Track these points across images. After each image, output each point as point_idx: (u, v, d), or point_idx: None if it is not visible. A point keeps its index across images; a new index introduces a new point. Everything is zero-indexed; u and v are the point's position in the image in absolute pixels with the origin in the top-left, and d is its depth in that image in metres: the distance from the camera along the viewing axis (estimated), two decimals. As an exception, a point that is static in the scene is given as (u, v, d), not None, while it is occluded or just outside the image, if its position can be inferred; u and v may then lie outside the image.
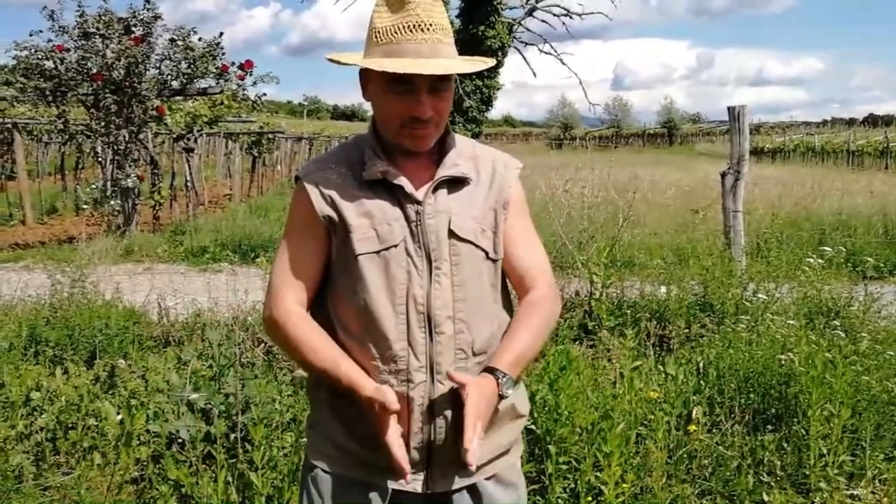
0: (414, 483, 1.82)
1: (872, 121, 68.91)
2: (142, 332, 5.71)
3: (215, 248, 11.14)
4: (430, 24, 1.76)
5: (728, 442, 4.07)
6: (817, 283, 5.71)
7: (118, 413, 3.88)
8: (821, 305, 5.48)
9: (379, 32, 1.78)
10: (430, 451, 1.81)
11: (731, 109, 6.60)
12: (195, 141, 15.71)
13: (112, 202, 12.49)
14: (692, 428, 4.05)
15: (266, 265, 7.29)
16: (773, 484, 3.98)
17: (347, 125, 60.24)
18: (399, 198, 1.82)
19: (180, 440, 3.76)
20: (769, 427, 4.26)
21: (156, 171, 13.64)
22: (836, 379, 4.22)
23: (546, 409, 3.80)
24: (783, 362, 4.31)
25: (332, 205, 1.82)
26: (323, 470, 1.88)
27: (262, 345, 4.81)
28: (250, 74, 12.24)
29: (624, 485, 3.63)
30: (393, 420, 1.70)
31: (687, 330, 5.25)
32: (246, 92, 12.61)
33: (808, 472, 4.04)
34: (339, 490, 1.86)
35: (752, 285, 5.70)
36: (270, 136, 20.68)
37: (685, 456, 3.94)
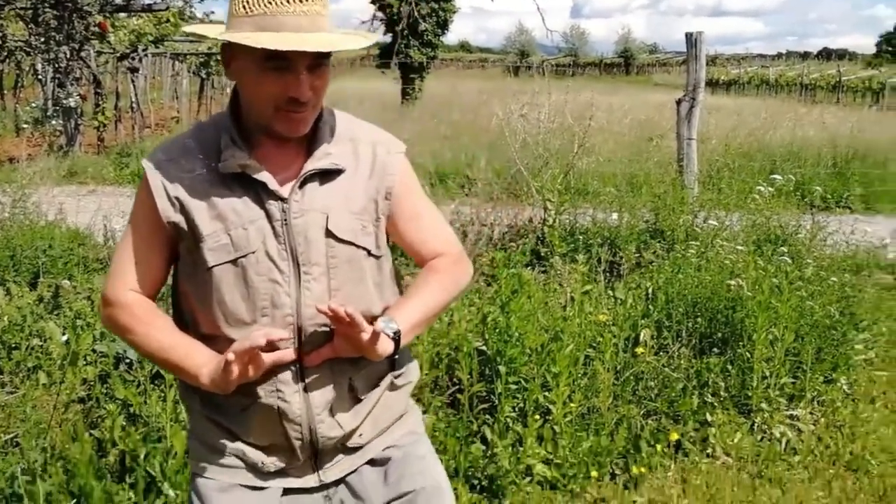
0: (306, 479, 1.74)
1: (827, 55, 69.49)
2: (87, 255, 5.61)
3: (164, 171, 10.92)
4: None
5: (674, 364, 4.15)
6: (766, 211, 5.78)
7: (63, 333, 3.81)
8: (769, 233, 5.56)
9: (249, 2, 1.55)
10: (314, 445, 1.71)
11: (688, 36, 6.55)
12: (140, 61, 15.22)
13: (53, 122, 12.14)
14: (640, 350, 4.12)
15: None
16: (716, 405, 4.08)
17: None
18: (260, 194, 1.62)
19: (128, 360, 3.72)
20: (715, 350, 4.35)
21: (99, 91, 13.21)
22: (781, 304, 4.32)
23: (497, 330, 3.82)
24: (731, 287, 4.39)
25: (181, 209, 1.63)
26: (208, 478, 1.73)
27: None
28: (198, -9, 11.83)
29: (571, 404, 3.69)
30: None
31: (637, 256, 5.31)
32: (193, 9, 12.23)
33: (750, 394, 4.15)
34: (227, 498, 1.72)
35: (702, 213, 5.76)
36: (219, 57, 20.12)
37: (632, 377, 4.01)
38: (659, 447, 3.78)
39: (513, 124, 7.35)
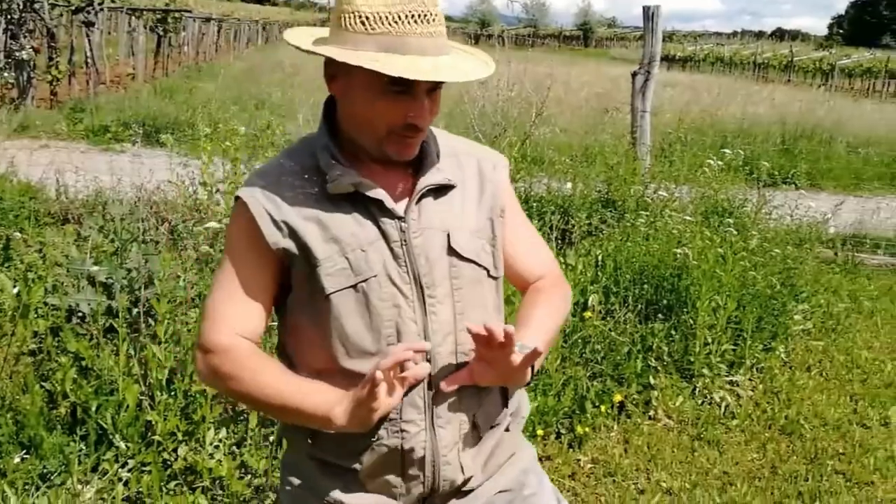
0: None
1: (780, 35, 70.39)
2: (39, 208, 5.53)
3: (117, 128, 10.73)
4: (436, 14, 1.42)
5: (620, 329, 4.27)
6: (715, 184, 5.93)
7: (14, 286, 3.78)
8: (717, 205, 5.71)
9: (370, 19, 1.39)
10: (433, 489, 1.54)
11: (645, 10, 6.63)
12: (95, 15, 14.83)
13: (5, 74, 11.79)
14: (588, 315, 4.22)
15: (174, 145, 7.10)
16: (659, 369, 4.22)
17: (259, 9, 57.75)
18: (374, 214, 1.49)
19: (80, 314, 3.71)
20: (660, 316, 4.48)
21: (53, 44, 12.87)
22: (725, 273, 4.46)
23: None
24: (677, 256, 4.51)
25: (290, 233, 1.48)
26: None
27: (166, 223, 4.73)
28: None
29: (521, 366, 3.78)
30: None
31: (589, 224, 5.41)
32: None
33: (692, 359, 4.30)
34: None
35: (653, 184, 5.88)
36: (177, 14, 19.70)
37: (580, 340, 4.12)
38: (603, 408, 3.90)
39: (472, 92, 7.37)
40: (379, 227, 1.48)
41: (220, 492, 3.07)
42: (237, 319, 1.51)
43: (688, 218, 4.95)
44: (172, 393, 3.21)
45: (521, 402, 1.73)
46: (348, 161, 1.52)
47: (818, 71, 31.71)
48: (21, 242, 4.43)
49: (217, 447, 3.14)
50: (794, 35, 69.80)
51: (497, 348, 1.42)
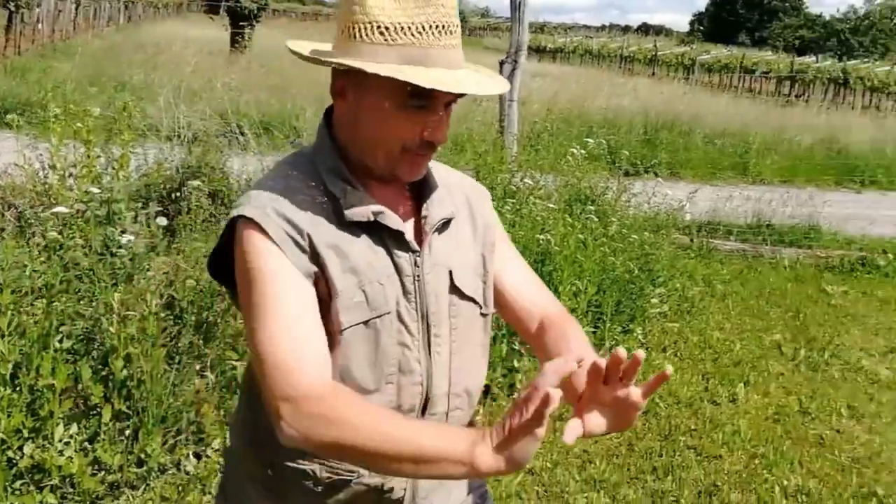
0: None
1: (645, 30, 73.27)
2: None
3: (-40, 108, 10.04)
4: (457, 25, 1.34)
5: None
6: (578, 172, 6.09)
7: None
8: (580, 193, 5.87)
9: (390, 29, 1.30)
10: None
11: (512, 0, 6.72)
12: (-64, -14, 13.81)
13: None
14: (454, 301, 4.25)
15: (22, 127, 6.68)
16: (523, 352, 4.30)
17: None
18: (389, 245, 1.38)
19: None
20: (524, 301, 4.56)
21: None
22: (586, 259, 4.60)
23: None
24: (541, 242, 4.61)
25: (313, 258, 1.33)
26: None
27: (13, 209, 4.45)
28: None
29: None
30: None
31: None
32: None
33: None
34: None
35: (520, 172, 5.98)
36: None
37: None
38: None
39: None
40: (392, 260, 1.37)
41: (71, 489, 2.94)
42: (314, 356, 1.28)
43: (551, 205, 5.07)
44: (17, 388, 3.03)
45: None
46: (360, 184, 1.39)
47: (680, 65, 33.11)
48: None
49: (67, 444, 3.00)
50: (659, 30, 72.78)
51: (615, 384, 1.22)
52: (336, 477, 1.38)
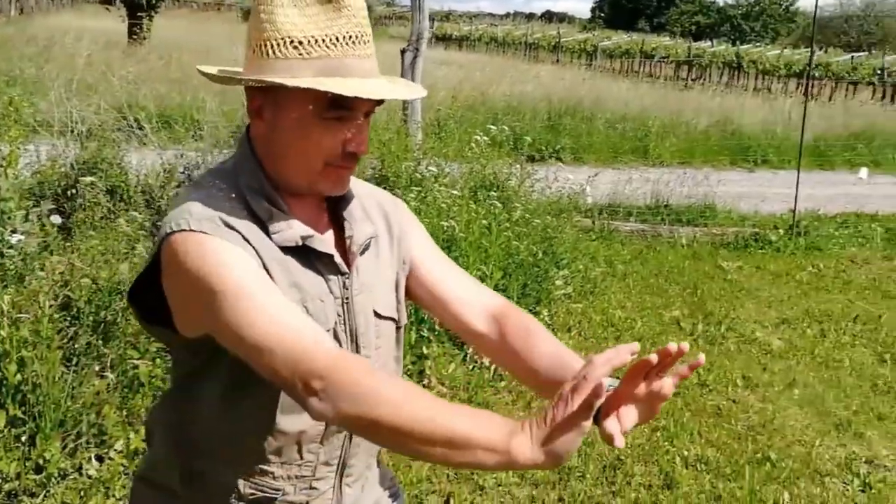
0: None
1: (549, 17, 74.29)
2: None
3: None
4: (370, 35, 1.34)
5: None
6: (483, 159, 6.17)
7: None
8: (484, 180, 5.95)
9: (303, 43, 1.29)
10: None
11: (413, -13, 6.74)
12: None
13: None
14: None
15: None
16: (432, 339, 4.35)
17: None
18: (319, 268, 1.35)
19: None
20: (431, 288, 4.61)
21: None
22: (490, 244, 4.67)
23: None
24: (446, 229, 4.66)
25: (263, 265, 1.29)
26: None
27: None
28: None
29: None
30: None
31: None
32: None
33: (462, 327, 4.46)
34: None
35: (425, 160, 6.02)
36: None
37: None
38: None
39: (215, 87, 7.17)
40: (325, 279, 1.36)
41: (-36, 500, 2.85)
42: (320, 329, 1.25)
43: (455, 192, 5.13)
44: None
45: None
46: (285, 209, 1.35)
47: (583, 52, 33.73)
48: None
49: (-40, 453, 2.90)
50: (562, 17, 73.84)
51: (651, 377, 1.16)
52: (259, 493, 1.36)
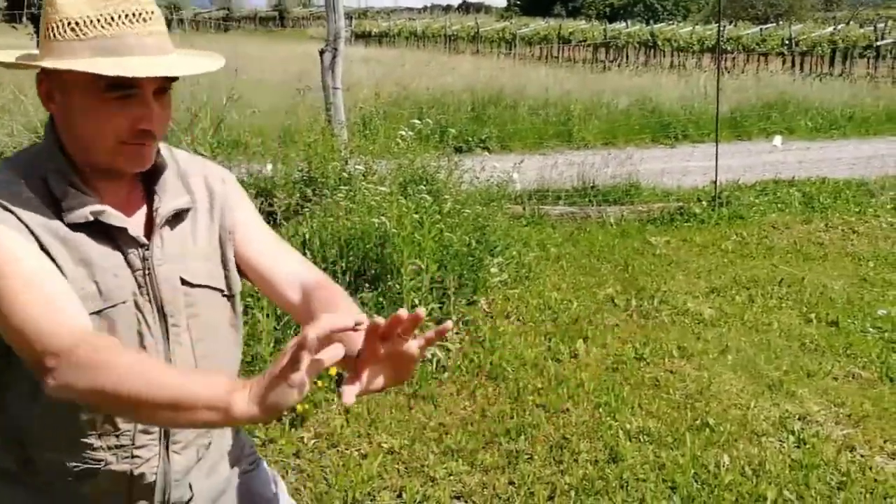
0: None
1: (466, 7, 74.50)
2: None
3: None
4: (152, 12, 1.35)
5: (331, 303, 4.35)
6: (410, 154, 6.19)
7: None
8: (413, 175, 5.97)
9: (80, 24, 1.31)
10: None
11: (327, -13, 6.71)
12: None
13: None
14: (297, 293, 4.25)
15: None
16: (291, 325, 4.32)
17: None
18: (118, 242, 1.40)
19: None
20: (368, 286, 4.63)
21: None
22: (423, 238, 4.70)
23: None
24: (377, 226, 4.67)
25: (41, 247, 1.33)
26: None
27: None
28: None
29: (233, 353, 3.74)
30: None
31: (291, 204, 5.44)
32: None
33: (402, 322, 4.49)
34: None
35: (352, 159, 6.02)
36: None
37: (291, 321, 4.15)
38: (321, 383, 3.98)
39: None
40: (124, 255, 1.40)
41: None
42: (74, 308, 1.29)
43: (383, 189, 5.14)
44: None
45: None
46: (85, 185, 1.39)
47: (502, 40, 33.95)
48: None
49: None
50: (479, 7, 74.16)
51: (394, 340, 1.20)
52: (84, 465, 1.40)
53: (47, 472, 1.43)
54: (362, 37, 35.70)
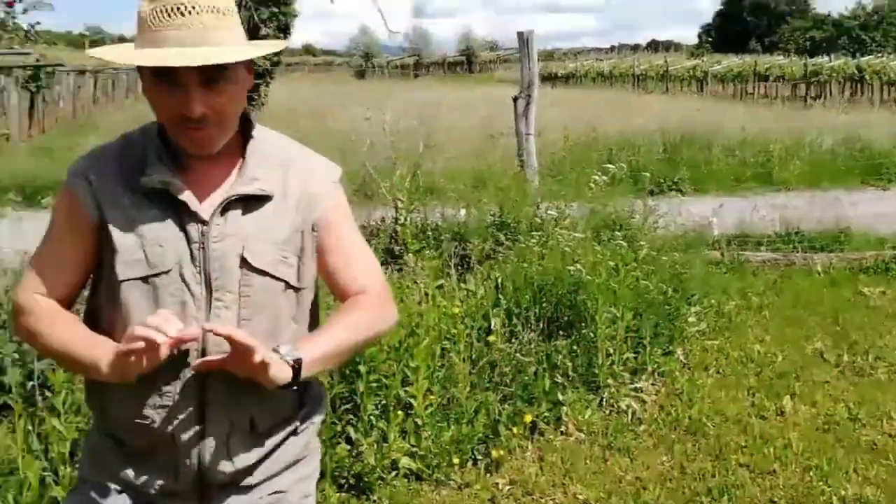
0: None
1: (655, 46, 73.35)
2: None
3: (-6, 192, 10.30)
4: (193, 7, 1.48)
5: (525, 349, 4.36)
6: (603, 199, 6.13)
7: None
8: (606, 220, 5.90)
9: (141, 20, 1.51)
10: (203, 479, 1.61)
11: (520, 35, 6.82)
12: (-39, 76, 14.26)
13: None
14: (492, 339, 4.30)
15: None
16: (566, 384, 4.32)
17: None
18: (181, 215, 1.56)
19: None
20: (562, 333, 4.60)
21: (-84, 109, 12.31)
22: (619, 285, 4.62)
23: (354, 331, 3.90)
24: (571, 272, 4.64)
25: (102, 217, 1.57)
26: (88, 494, 1.65)
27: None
28: (20, 1, 11.19)
29: (431, 397, 3.82)
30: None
31: (485, 248, 5.51)
32: (16, 20, 11.53)
33: (597, 371, 4.42)
34: None
35: (544, 204, 6.03)
36: (49, 69, 19.06)
37: (487, 365, 4.19)
38: (516, 430, 3.97)
39: (360, 128, 7.42)
40: (183, 228, 1.56)
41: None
42: (45, 283, 1.62)
43: (578, 235, 5.11)
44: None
45: (316, 406, 1.78)
46: (174, 160, 1.59)
47: (693, 78, 33.15)
48: None
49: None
50: (668, 45, 72.81)
51: (240, 348, 1.46)
52: (136, 421, 1.57)
53: (115, 425, 1.62)
54: (548, 78, 35.98)
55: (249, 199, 1.60)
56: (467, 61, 64.78)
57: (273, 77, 22.38)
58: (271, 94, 21.58)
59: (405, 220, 5.96)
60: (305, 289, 1.67)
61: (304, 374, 1.55)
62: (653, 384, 4.64)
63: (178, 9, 1.48)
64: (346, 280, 1.72)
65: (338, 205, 1.73)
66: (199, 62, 1.46)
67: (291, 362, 1.52)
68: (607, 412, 4.34)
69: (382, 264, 5.45)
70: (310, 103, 18.86)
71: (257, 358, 1.45)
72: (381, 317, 1.73)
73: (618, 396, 4.40)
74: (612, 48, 68.33)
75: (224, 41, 1.51)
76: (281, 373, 1.50)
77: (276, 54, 21.88)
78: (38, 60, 18.39)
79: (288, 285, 1.63)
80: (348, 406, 3.80)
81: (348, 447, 3.63)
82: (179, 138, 1.56)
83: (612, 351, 4.48)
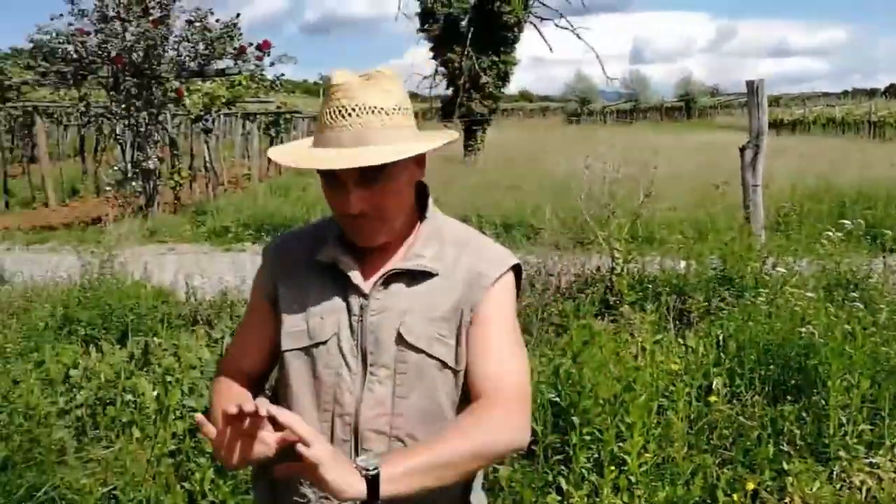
0: None
1: (894, 91, 68.01)
2: (170, 311, 5.85)
3: (237, 228, 11.30)
4: (354, 108, 1.51)
5: (748, 412, 4.15)
6: (836, 256, 5.74)
7: (153, 389, 4.01)
8: (840, 278, 5.52)
9: (316, 120, 1.60)
10: None
11: (749, 84, 6.61)
12: (213, 122, 15.82)
13: (134, 184, 12.69)
14: (713, 399, 4.13)
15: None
16: (792, 453, 4.05)
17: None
18: (345, 288, 1.61)
19: (214, 415, 3.88)
20: (789, 398, 4.33)
21: (175, 152, 13.81)
22: (855, 350, 4.29)
23: (570, 381, 3.89)
24: (802, 334, 4.37)
25: (275, 290, 1.68)
26: None
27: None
28: (268, 55, 12.32)
29: (646, 455, 3.72)
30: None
31: (706, 304, 5.32)
32: (264, 73, 12.69)
33: (827, 442, 4.11)
34: None
35: (771, 259, 5.75)
36: (288, 116, 20.75)
37: (706, 426, 4.02)
38: (736, 496, 3.76)
39: (577, 174, 7.46)
40: (346, 301, 1.60)
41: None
42: (234, 350, 1.78)
43: (809, 294, 4.81)
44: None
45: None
46: (347, 241, 1.63)
47: (939, 126, 30.39)
48: (159, 347, 4.69)
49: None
50: (909, 90, 67.21)
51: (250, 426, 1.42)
52: (297, 499, 1.61)
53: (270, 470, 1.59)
54: (773, 125, 34.33)
55: (414, 274, 1.61)
56: (686, 106, 63.28)
57: (490, 123, 23.05)
58: (487, 139, 22.20)
59: (622, 269, 5.90)
60: (461, 370, 1.61)
61: (386, 489, 1.34)
62: (891, 460, 4.23)
63: (341, 111, 1.52)
64: (475, 375, 1.59)
65: (502, 294, 1.65)
66: (341, 165, 1.49)
67: (367, 474, 1.33)
68: (838, 487, 4.01)
69: (597, 315, 5.45)
70: (526, 148, 19.14)
71: (304, 451, 1.32)
72: (501, 427, 1.50)
73: (850, 471, 4.05)
74: (845, 93, 64.16)
75: (384, 140, 1.51)
76: (345, 482, 1.33)
77: (495, 101, 22.57)
78: (278, 108, 20.08)
79: (444, 365, 1.59)
80: (560, 457, 3.78)
81: (559, 498, 3.60)
82: (346, 230, 1.62)
83: (845, 421, 4.15)
